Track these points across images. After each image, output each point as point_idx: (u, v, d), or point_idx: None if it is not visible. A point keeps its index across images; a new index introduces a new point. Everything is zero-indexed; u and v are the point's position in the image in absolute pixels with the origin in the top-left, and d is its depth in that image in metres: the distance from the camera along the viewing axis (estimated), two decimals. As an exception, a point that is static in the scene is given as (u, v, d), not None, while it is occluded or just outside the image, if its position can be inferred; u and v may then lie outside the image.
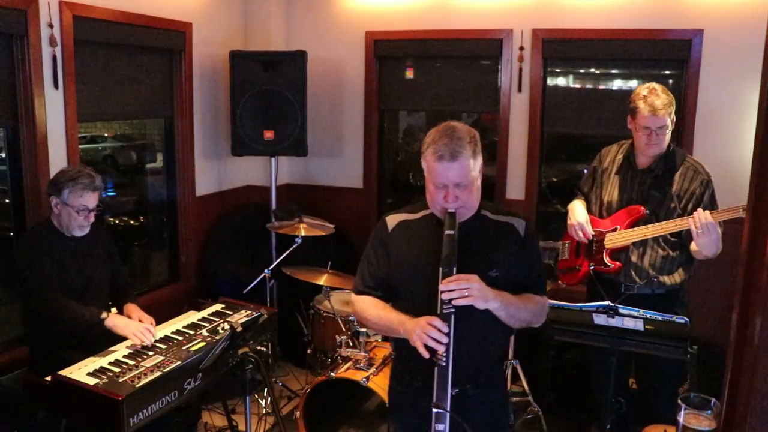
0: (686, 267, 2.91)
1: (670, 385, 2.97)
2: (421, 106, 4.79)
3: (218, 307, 3.23)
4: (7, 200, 3.30)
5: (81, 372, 2.47)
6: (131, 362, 2.58)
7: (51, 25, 3.20)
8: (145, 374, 2.46)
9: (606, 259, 2.94)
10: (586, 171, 3.24)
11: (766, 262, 1.01)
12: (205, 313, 3.15)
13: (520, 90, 4.22)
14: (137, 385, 2.37)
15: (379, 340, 3.48)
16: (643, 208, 2.86)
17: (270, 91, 4.19)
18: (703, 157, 3.52)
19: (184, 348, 2.72)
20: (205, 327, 2.96)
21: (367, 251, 2.10)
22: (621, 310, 2.48)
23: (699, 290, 3.63)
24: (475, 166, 1.89)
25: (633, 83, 4.11)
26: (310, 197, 4.87)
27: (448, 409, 1.77)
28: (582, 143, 4.53)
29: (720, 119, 3.79)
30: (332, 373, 3.18)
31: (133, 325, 2.77)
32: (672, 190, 2.84)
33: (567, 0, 4.05)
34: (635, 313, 2.46)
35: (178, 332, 2.91)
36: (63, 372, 2.46)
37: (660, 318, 2.43)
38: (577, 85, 4.28)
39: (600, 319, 2.52)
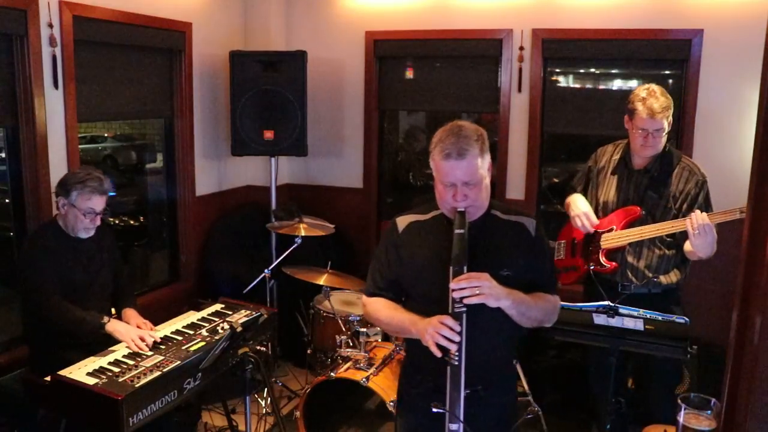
0: (682, 266, 2.92)
1: (668, 386, 2.97)
2: (421, 106, 4.80)
3: (218, 307, 3.23)
4: (7, 200, 3.30)
5: (81, 372, 2.47)
6: (131, 362, 2.58)
7: (51, 25, 3.20)
8: (145, 374, 2.46)
9: (602, 259, 2.94)
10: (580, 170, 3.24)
11: (766, 262, 1.01)
12: (204, 313, 3.14)
13: (520, 90, 4.23)
14: (137, 385, 2.37)
15: (379, 340, 3.48)
16: (639, 208, 2.86)
17: (270, 91, 4.19)
18: (703, 157, 3.53)
19: (183, 348, 2.72)
20: (204, 327, 2.96)
21: (378, 253, 2.10)
22: (621, 310, 2.47)
23: (698, 290, 3.63)
24: (483, 164, 1.88)
25: (633, 83, 4.11)
26: (310, 197, 4.87)
27: (462, 409, 1.77)
28: (582, 143, 4.52)
29: (720, 119, 3.79)
30: (332, 373, 3.18)
31: (132, 332, 2.76)
32: (668, 191, 2.84)
33: (567, 0, 4.05)
34: (635, 313, 2.46)
35: (177, 332, 2.91)
36: (63, 372, 2.46)
37: (660, 318, 2.43)
38: (577, 85, 4.28)
39: (600, 319, 2.51)
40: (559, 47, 4.11)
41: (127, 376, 2.44)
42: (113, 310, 3.06)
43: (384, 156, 4.91)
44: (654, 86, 2.82)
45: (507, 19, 4.19)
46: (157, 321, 2.98)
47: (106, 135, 6.80)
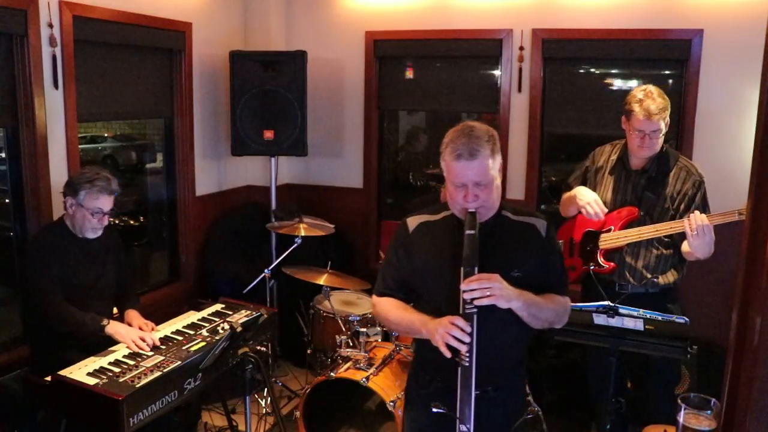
0: (679, 266, 2.92)
1: (667, 386, 2.97)
2: (421, 106, 4.80)
3: (218, 307, 3.23)
4: (7, 200, 3.30)
5: (81, 372, 2.47)
6: (131, 362, 2.58)
7: (51, 25, 3.20)
8: (145, 374, 2.46)
9: (600, 259, 2.94)
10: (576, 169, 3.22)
11: (766, 262, 1.01)
12: (205, 313, 3.15)
13: (520, 90, 4.23)
14: (137, 385, 2.37)
15: (379, 340, 3.48)
16: (637, 209, 2.86)
17: (270, 91, 4.19)
18: (703, 158, 3.53)
19: (184, 348, 2.72)
20: (205, 327, 2.96)
21: (389, 253, 2.10)
22: (621, 310, 2.48)
23: (698, 290, 3.63)
24: (494, 165, 1.88)
25: (633, 83, 4.11)
26: (310, 197, 4.87)
27: (472, 410, 1.76)
28: (582, 143, 4.52)
29: (720, 119, 3.79)
30: (332, 373, 3.18)
31: (133, 334, 2.76)
32: (666, 192, 2.84)
33: (567, 0, 4.05)
34: (635, 313, 2.46)
35: (178, 332, 2.91)
36: (63, 372, 2.46)
37: (660, 318, 2.43)
38: (577, 86, 4.28)
39: (600, 319, 2.52)
40: (559, 47, 4.11)
41: (127, 377, 2.44)
42: (115, 310, 3.06)
43: (384, 156, 4.91)
44: (651, 87, 2.81)
45: (507, 19, 4.19)
46: (157, 321, 2.98)
47: (106, 135, 6.81)
